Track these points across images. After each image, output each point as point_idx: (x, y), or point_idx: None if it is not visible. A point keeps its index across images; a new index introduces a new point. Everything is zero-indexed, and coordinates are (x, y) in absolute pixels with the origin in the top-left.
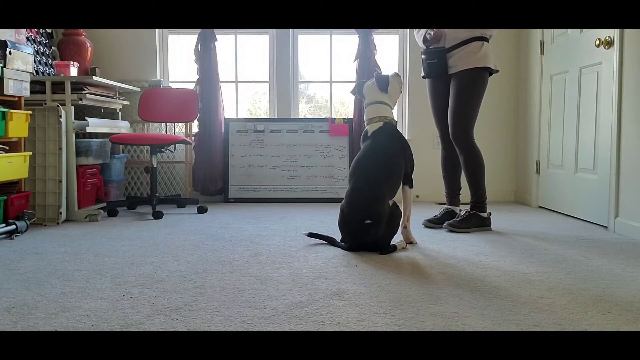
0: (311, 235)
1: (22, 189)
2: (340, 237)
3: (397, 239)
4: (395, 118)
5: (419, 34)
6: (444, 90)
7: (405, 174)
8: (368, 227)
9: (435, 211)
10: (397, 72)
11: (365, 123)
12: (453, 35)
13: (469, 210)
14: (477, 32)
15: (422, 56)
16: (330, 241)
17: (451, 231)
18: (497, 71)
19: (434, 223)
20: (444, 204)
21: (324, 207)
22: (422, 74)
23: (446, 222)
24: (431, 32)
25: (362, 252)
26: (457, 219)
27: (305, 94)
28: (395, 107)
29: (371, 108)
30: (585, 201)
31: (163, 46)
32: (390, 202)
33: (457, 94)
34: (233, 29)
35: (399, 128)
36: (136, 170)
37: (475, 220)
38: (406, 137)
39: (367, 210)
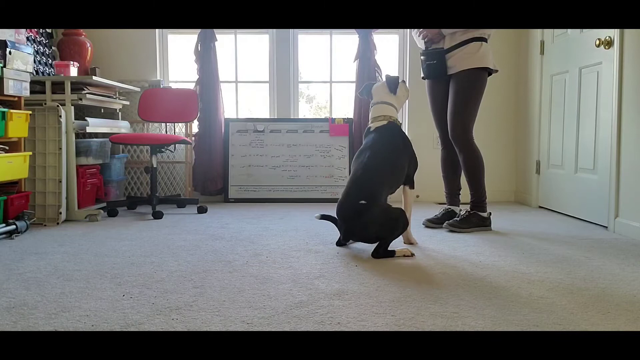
0: (323, 217)
1: (22, 189)
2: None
3: (400, 246)
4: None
5: (417, 35)
6: (443, 91)
7: (407, 174)
8: (361, 210)
9: (436, 211)
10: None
11: (370, 122)
12: (452, 36)
13: (469, 210)
14: (476, 33)
15: (422, 57)
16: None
17: (451, 231)
18: (496, 71)
19: (434, 223)
20: (444, 204)
21: (324, 207)
22: (422, 74)
23: (446, 222)
24: (432, 38)
25: (362, 252)
26: (457, 219)
27: (305, 94)
28: None
29: (377, 107)
30: (585, 201)
31: (163, 46)
32: (389, 198)
33: (456, 95)
34: (233, 29)
35: None
36: (136, 170)
37: (476, 220)
38: None
39: (362, 191)
